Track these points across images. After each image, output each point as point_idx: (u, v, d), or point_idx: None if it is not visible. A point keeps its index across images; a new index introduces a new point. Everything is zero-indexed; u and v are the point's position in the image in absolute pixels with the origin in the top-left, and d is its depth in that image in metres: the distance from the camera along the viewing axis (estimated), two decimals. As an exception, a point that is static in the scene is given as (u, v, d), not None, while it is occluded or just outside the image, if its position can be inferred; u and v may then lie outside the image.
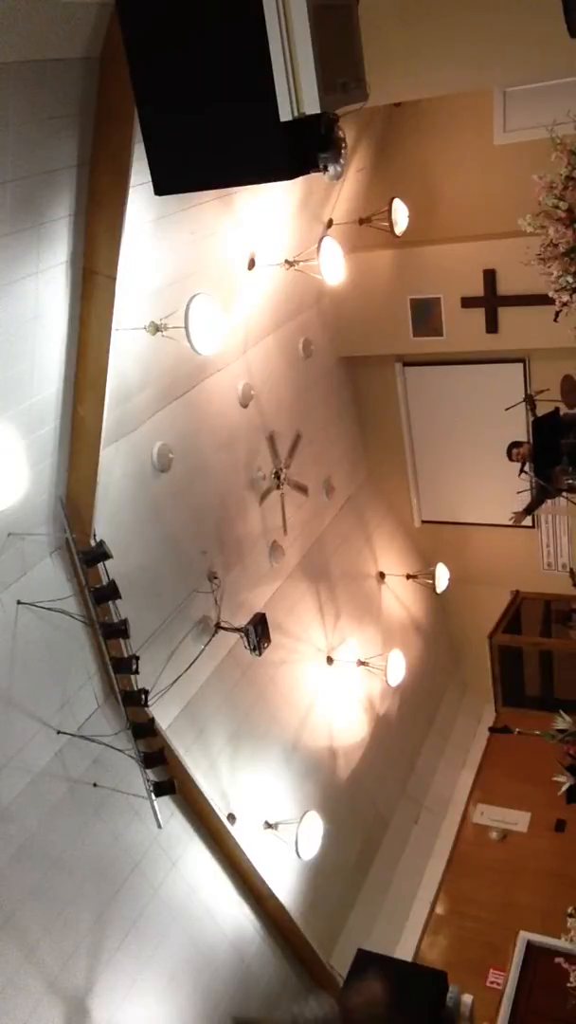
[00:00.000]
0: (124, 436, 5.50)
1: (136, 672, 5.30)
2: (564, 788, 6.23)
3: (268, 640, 6.52)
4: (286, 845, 6.51)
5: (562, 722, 6.39)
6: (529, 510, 7.01)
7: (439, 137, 7.94)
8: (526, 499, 7.09)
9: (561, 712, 6.51)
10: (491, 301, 7.90)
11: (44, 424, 4.57)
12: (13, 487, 4.29)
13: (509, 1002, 7.23)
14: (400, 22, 4.87)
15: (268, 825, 6.60)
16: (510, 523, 7.12)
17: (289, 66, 3.05)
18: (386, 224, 7.55)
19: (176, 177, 3.56)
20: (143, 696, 5.38)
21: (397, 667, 8.54)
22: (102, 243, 4.17)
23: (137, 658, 5.28)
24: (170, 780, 5.53)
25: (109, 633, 5.23)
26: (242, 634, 6.40)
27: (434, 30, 4.91)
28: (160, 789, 5.50)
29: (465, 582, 9.76)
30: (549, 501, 7.84)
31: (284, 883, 6.62)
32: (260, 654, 6.51)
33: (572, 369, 6.76)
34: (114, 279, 4.26)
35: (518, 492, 7.00)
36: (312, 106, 3.10)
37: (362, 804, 8.14)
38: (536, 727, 6.93)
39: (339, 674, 8.17)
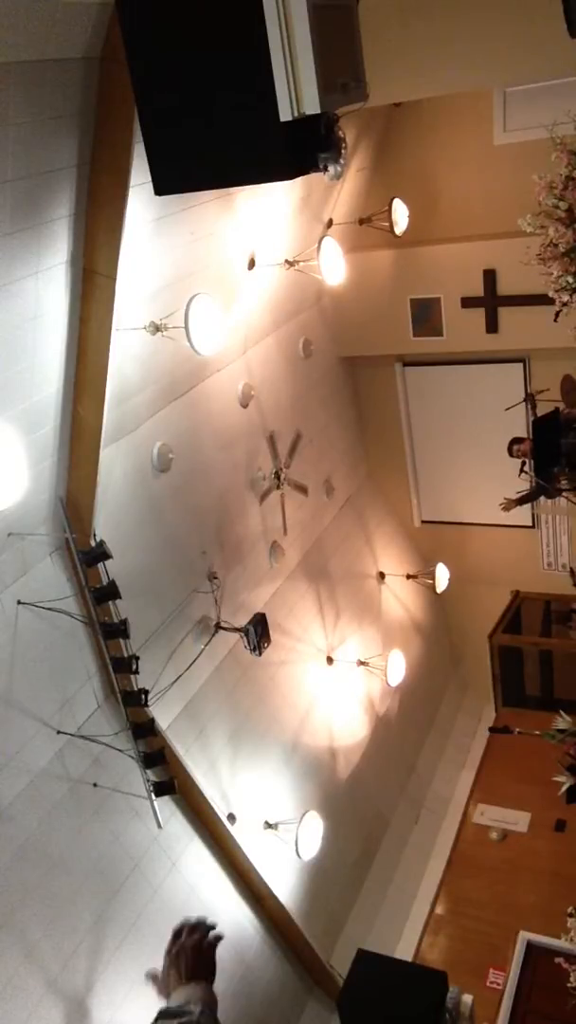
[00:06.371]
0: (124, 436, 5.50)
1: (136, 672, 5.30)
2: (564, 788, 6.24)
3: (268, 640, 6.52)
4: (286, 845, 6.51)
5: (562, 722, 6.40)
6: (523, 501, 7.01)
7: (439, 137, 7.94)
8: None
9: (561, 712, 6.52)
10: (491, 301, 7.90)
11: (44, 424, 4.57)
12: (13, 487, 4.28)
13: (509, 1002, 7.24)
14: (400, 22, 4.87)
15: (268, 825, 6.59)
16: (501, 508, 7.12)
17: (289, 66, 3.05)
18: (386, 224, 7.54)
19: (176, 177, 3.56)
20: (143, 696, 5.38)
21: (397, 667, 8.54)
22: (102, 243, 4.17)
23: (137, 658, 5.29)
24: (170, 780, 5.54)
25: (109, 633, 5.23)
26: (242, 634, 6.40)
27: (434, 30, 4.91)
28: (160, 789, 5.51)
29: (465, 582, 9.76)
30: (549, 501, 7.85)
31: (284, 883, 6.62)
32: (260, 654, 6.50)
33: (572, 369, 6.77)
34: (114, 279, 4.26)
35: (518, 492, 7.01)
36: (312, 106, 3.10)
37: (362, 804, 8.14)
38: (536, 727, 6.94)
39: (339, 674, 8.16)
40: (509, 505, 6.97)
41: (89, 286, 4.31)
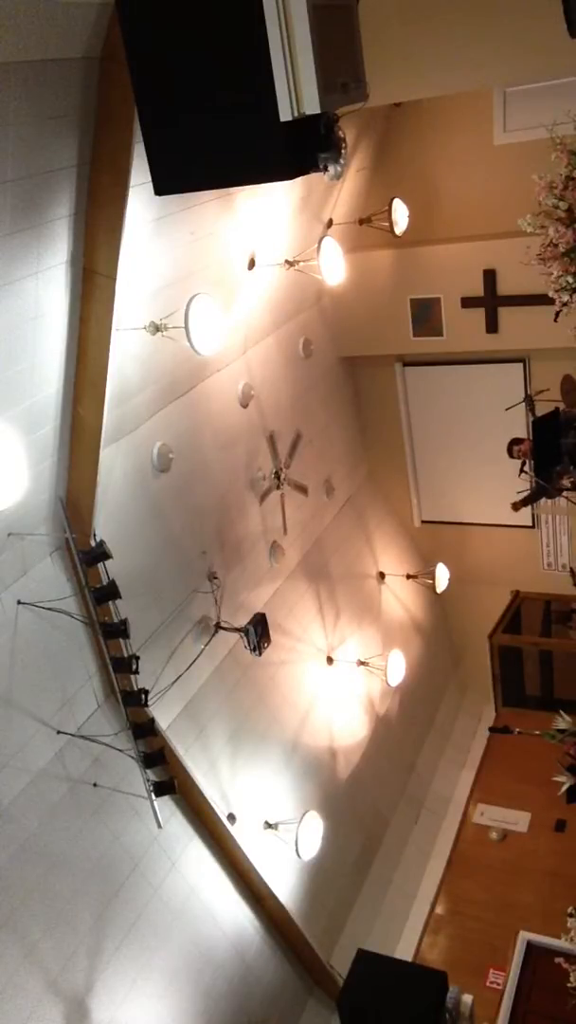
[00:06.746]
0: (124, 436, 5.50)
1: (136, 672, 5.30)
2: (564, 788, 6.23)
3: (268, 640, 6.52)
4: (286, 845, 6.51)
5: (562, 722, 6.40)
6: (527, 502, 7.01)
7: (439, 137, 7.95)
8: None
9: (561, 712, 6.52)
10: (491, 301, 7.90)
11: (44, 424, 4.57)
12: (13, 487, 4.29)
13: (509, 1002, 7.24)
14: (400, 22, 4.88)
15: (268, 825, 6.60)
16: (511, 508, 7.12)
17: (289, 66, 3.05)
18: (386, 224, 7.54)
19: (176, 177, 3.56)
20: (143, 696, 5.38)
21: (397, 667, 8.54)
22: (102, 243, 4.17)
23: (137, 658, 5.28)
24: (170, 780, 5.54)
25: (109, 633, 5.23)
26: (242, 634, 6.40)
27: (434, 30, 4.91)
28: (160, 789, 5.51)
29: (465, 582, 9.76)
30: (549, 501, 7.84)
31: (284, 883, 6.62)
32: (260, 654, 6.50)
33: (572, 369, 6.75)
34: (114, 279, 4.27)
35: (518, 492, 7.00)
36: (312, 106, 3.10)
37: (362, 804, 8.14)
38: (536, 727, 6.94)
39: (339, 674, 8.16)
40: (518, 506, 6.98)
41: (89, 286, 4.31)
